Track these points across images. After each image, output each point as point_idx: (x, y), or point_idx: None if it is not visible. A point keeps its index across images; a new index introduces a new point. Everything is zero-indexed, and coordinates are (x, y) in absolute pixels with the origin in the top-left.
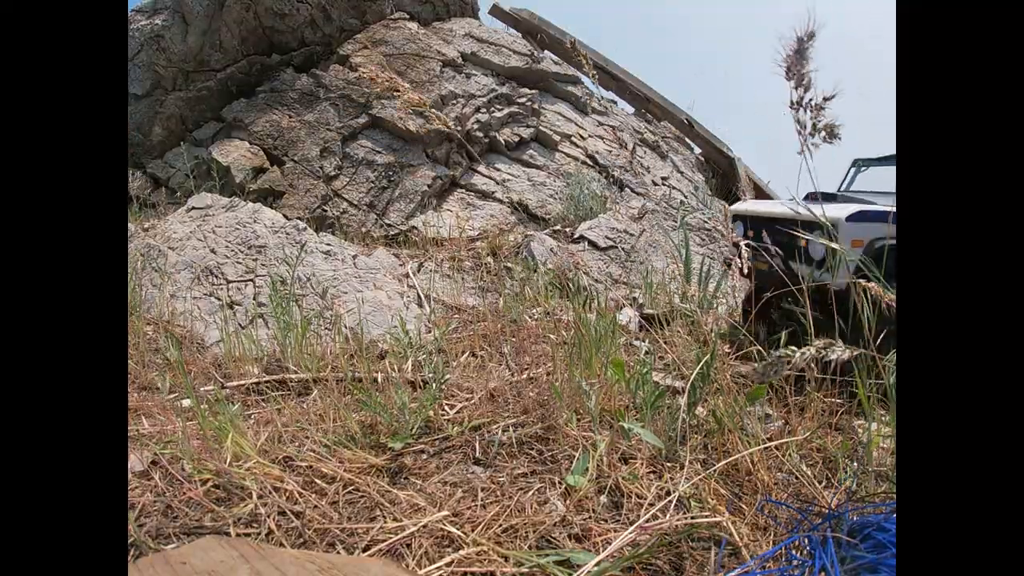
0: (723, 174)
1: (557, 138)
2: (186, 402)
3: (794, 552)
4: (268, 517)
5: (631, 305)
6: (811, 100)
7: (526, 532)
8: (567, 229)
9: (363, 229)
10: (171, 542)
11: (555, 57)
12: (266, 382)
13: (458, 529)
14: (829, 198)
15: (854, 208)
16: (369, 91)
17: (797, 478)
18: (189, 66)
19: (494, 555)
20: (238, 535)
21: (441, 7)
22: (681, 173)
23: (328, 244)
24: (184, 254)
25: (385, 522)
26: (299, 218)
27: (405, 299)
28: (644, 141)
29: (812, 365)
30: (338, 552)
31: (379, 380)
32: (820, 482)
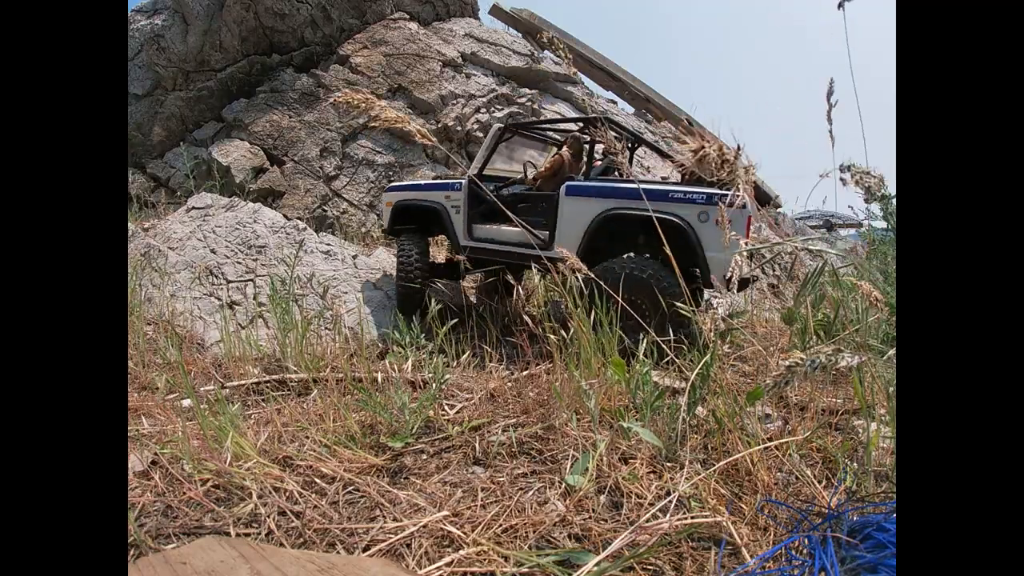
0: None
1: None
2: (186, 402)
3: (794, 552)
4: (268, 517)
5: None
6: None
7: (526, 532)
8: None
9: (363, 229)
10: (171, 542)
11: (555, 57)
12: (266, 382)
13: (458, 529)
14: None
15: (394, 184)
16: (369, 91)
17: (797, 478)
18: (189, 66)
19: (494, 555)
20: (238, 535)
21: (441, 7)
22: None
23: (328, 244)
24: (184, 254)
25: (385, 522)
26: (299, 218)
27: None
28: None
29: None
30: (338, 552)
31: (379, 380)
32: (820, 482)
